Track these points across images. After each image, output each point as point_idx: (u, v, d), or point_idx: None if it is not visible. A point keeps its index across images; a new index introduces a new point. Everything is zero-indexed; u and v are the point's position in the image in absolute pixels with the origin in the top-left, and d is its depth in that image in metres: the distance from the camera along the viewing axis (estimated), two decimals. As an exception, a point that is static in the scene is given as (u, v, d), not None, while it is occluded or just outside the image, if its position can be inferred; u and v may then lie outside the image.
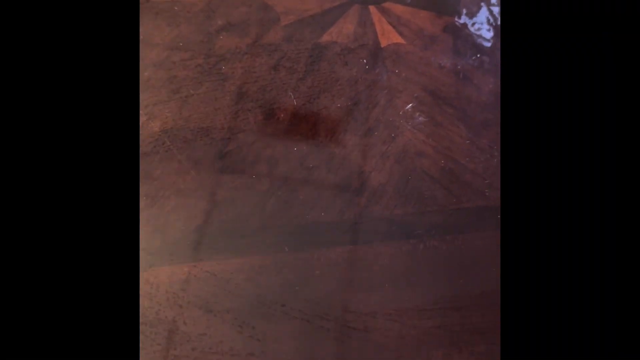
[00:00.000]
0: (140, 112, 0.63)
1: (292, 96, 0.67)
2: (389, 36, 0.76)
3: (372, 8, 0.79)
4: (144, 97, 0.64)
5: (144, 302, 0.50)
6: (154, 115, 0.63)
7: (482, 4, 0.82)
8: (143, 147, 0.60)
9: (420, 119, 0.68)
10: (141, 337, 0.48)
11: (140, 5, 0.72)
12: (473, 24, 0.79)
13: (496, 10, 0.81)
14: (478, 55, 0.75)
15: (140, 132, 0.61)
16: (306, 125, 0.65)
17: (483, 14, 0.80)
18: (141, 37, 0.69)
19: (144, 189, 0.57)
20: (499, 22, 0.79)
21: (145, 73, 0.66)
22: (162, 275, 0.52)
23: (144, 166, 0.59)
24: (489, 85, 0.72)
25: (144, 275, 0.52)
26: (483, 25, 0.79)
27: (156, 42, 0.69)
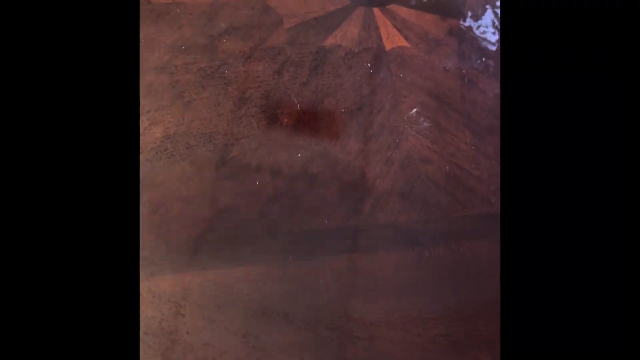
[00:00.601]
0: (143, 117, 0.62)
1: (296, 101, 0.66)
2: (393, 39, 0.75)
3: (376, 11, 0.78)
4: (146, 102, 0.63)
5: (146, 312, 0.50)
6: (156, 120, 0.62)
7: (487, 6, 0.81)
8: (145, 153, 0.59)
9: (425, 124, 0.67)
10: (144, 347, 0.48)
11: (142, 8, 0.71)
12: (478, 27, 0.78)
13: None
14: (483, 59, 0.74)
15: (143, 138, 0.60)
16: (310, 130, 0.64)
17: (488, 16, 0.79)
18: (142, 40, 0.69)
19: (146, 195, 0.57)
20: (504, 25, 0.78)
21: (147, 77, 0.65)
22: (165, 284, 0.52)
23: (146, 173, 0.58)
24: (494, 89, 0.72)
25: (146, 285, 0.51)
26: (488, 28, 0.78)
27: (158, 45, 0.68)
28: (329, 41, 0.73)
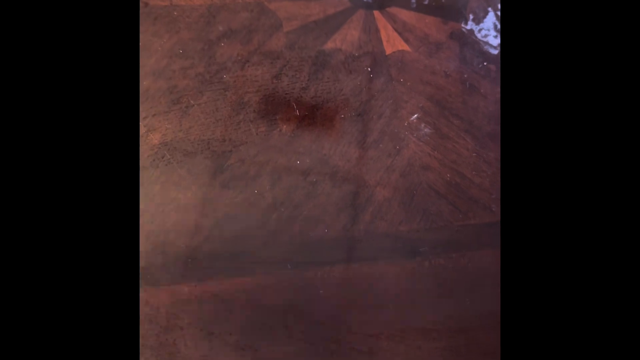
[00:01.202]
0: (139, 123, 0.61)
1: (295, 107, 0.65)
2: (393, 43, 0.74)
3: (376, 13, 0.77)
4: (143, 108, 0.62)
5: (144, 325, 0.49)
6: (154, 127, 0.61)
7: (489, 9, 0.80)
8: (142, 161, 0.59)
9: (426, 130, 0.66)
10: (141, 361, 0.47)
11: (139, 11, 0.70)
12: (480, 30, 0.77)
13: (503, 15, 0.79)
14: (485, 64, 0.73)
15: (139, 144, 0.59)
16: (309, 137, 0.63)
17: (490, 19, 0.78)
18: (139, 44, 0.67)
19: (143, 204, 0.56)
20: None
21: (144, 82, 0.64)
22: (163, 295, 0.51)
23: (144, 181, 0.57)
24: (496, 94, 0.71)
25: (144, 296, 0.51)
26: (490, 31, 0.77)
27: (155, 49, 0.67)
28: (329, 45, 0.72)
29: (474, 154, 0.65)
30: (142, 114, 0.62)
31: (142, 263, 0.53)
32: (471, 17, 0.78)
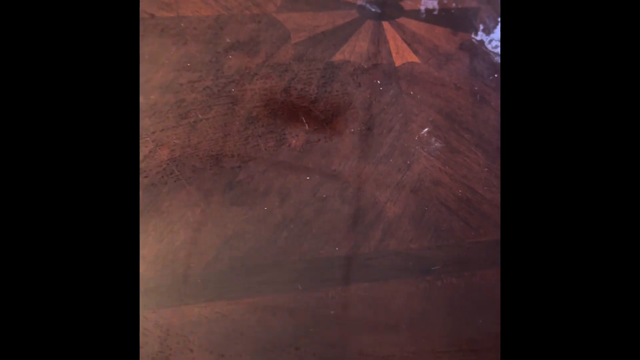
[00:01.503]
0: (147, 138, 0.60)
1: (304, 121, 0.64)
2: (403, 54, 0.73)
3: (385, 24, 0.76)
4: (151, 123, 0.61)
5: (153, 347, 0.49)
6: (162, 142, 0.60)
7: (500, 19, 0.79)
8: (150, 177, 0.58)
9: (436, 144, 0.65)
10: (151, 384, 0.47)
11: (145, 22, 0.69)
12: (490, 41, 0.76)
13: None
14: (495, 75, 0.73)
15: (148, 161, 0.59)
16: (319, 152, 0.62)
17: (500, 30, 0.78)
18: (146, 56, 0.67)
19: (151, 222, 0.55)
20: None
21: (152, 96, 0.63)
22: (172, 316, 0.50)
23: (152, 198, 0.57)
24: (506, 107, 0.70)
25: (152, 317, 0.50)
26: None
27: (162, 62, 0.67)
28: (338, 57, 0.71)
29: (485, 169, 0.64)
30: (150, 129, 0.61)
31: (150, 283, 0.52)
32: (481, 27, 0.78)
